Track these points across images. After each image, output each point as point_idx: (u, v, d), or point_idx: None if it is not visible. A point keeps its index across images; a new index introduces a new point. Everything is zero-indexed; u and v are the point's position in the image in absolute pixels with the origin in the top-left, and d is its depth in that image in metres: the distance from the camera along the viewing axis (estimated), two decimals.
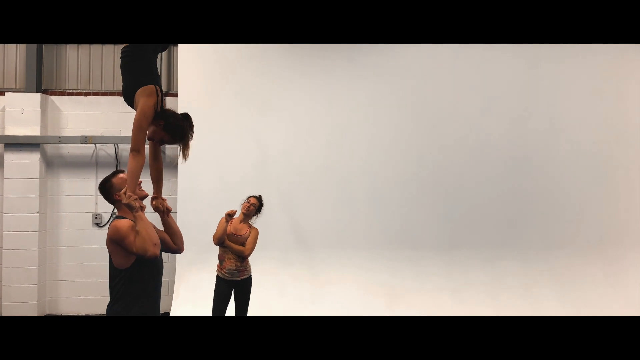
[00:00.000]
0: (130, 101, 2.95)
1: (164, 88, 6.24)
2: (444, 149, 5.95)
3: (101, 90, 6.32)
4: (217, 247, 4.50)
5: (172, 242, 3.06)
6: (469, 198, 5.92)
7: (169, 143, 3.01)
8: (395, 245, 5.90)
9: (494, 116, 5.94)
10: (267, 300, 5.59)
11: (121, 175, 2.90)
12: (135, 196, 2.73)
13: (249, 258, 4.53)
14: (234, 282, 4.49)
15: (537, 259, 5.88)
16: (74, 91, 6.31)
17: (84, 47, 6.33)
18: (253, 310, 4.51)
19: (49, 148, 6.20)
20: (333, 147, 5.98)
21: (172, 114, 2.96)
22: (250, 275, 4.56)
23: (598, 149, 5.97)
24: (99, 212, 6.14)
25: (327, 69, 5.98)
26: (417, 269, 5.84)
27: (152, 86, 2.88)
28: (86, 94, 6.31)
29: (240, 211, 4.60)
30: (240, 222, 4.58)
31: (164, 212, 3.01)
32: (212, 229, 4.43)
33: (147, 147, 2.95)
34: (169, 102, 6.18)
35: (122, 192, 2.74)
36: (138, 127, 2.79)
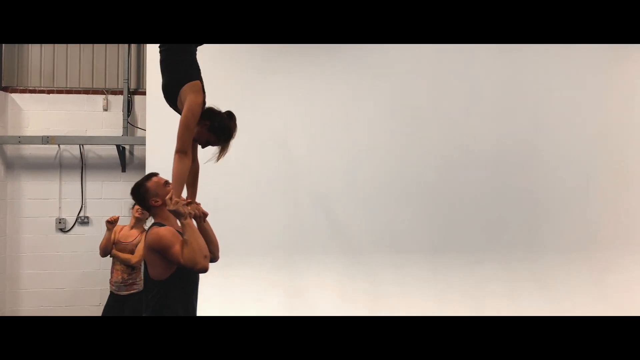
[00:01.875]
0: (172, 100, 2.70)
1: (132, 86, 6.05)
2: (427, 151, 5.78)
3: (66, 87, 6.00)
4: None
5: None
6: (452, 200, 5.77)
7: (214, 145, 2.78)
8: (377, 250, 5.71)
9: (477, 117, 5.81)
10: (243, 306, 5.32)
11: (155, 178, 2.71)
12: (184, 201, 2.50)
13: (142, 272, 4.21)
14: (120, 297, 4.12)
15: (521, 262, 5.77)
16: (37, 88, 5.98)
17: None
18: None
19: (9, 149, 5.86)
20: (311, 148, 5.76)
21: (218, 112, 2.76)
22: (141, 291, 4.13)
23: (582, 151, 5.90)
24: (62, 216, 5.84)
25: (304, 66, 5.75)
26: (400, 272, 5.68)
27: (198, 82, 2.66)
28: (49, 92, 5.98)
29: (132, 216, 4.33)
30: (131, 229, 4.28)
31: (200, 217, 2.77)
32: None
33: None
34: (138, 100, 6.00)
35: (167, 197, 2.51)
36: (185, 126, 2.57)
